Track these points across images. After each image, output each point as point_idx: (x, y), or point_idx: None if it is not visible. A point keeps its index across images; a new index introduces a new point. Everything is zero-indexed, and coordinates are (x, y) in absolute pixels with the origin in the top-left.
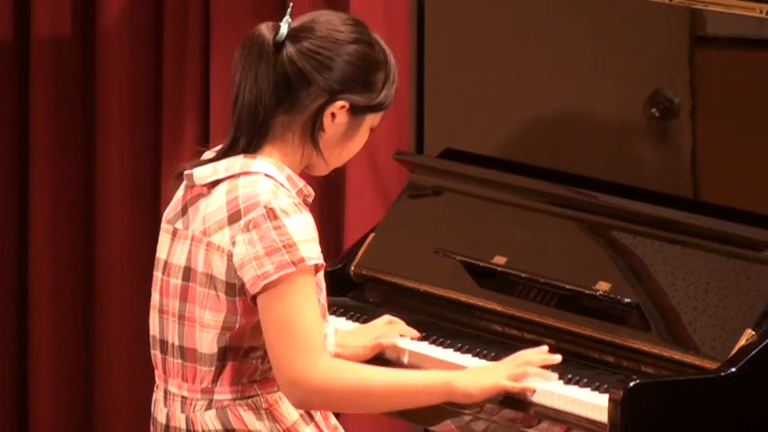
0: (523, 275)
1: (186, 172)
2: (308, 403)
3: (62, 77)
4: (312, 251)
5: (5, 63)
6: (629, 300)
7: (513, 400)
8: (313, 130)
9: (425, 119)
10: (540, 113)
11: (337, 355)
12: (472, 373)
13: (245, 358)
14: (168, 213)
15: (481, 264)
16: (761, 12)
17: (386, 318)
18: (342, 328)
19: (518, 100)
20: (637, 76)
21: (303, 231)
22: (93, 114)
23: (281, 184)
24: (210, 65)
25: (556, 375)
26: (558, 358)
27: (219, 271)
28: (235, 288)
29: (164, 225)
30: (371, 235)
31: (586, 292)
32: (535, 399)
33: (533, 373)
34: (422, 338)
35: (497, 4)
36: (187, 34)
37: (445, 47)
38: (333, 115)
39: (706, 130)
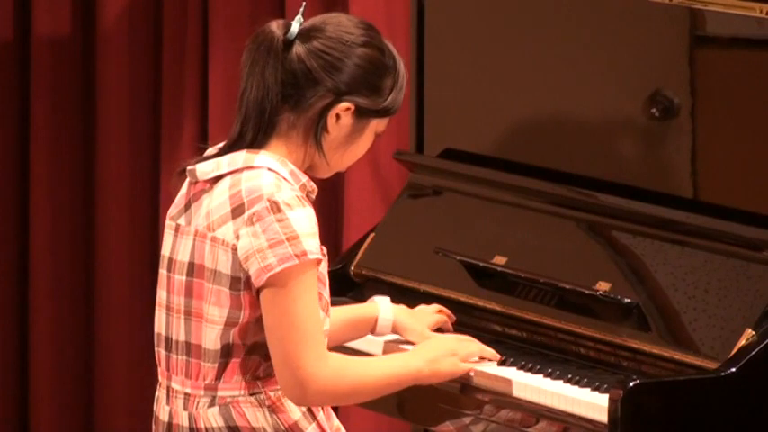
0: (523, 275)
1: (189, 168)
2: (313, 401)
3: (62, 77)
4: (313, 245)
5: (5, 63)
6: (629, 300)
7: (513, 400)
8: (317, 130)
9: (425, 119)
10: (540, 113)
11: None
12: (434, 364)
13: (249, 355)
14: (171, 210)
15: (481, 264)
16: (761, 12)
17: (435, 306)
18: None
19: (518, 100)
20: (637, 76)
21: (306, 225)
22: (94, 114)
23: (284, 178)
24: (209, 64)
25: (496, 355)
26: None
27: (225, 265)
28: (240, 282)
29: (167, 222)
30: (371, 235)
31: (586, 292)
32: (536, 399)
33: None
34: None
35: (497, 4)
36: (186, 34)
37: (445, 47)
38: (337, 117)
39: (706, 130)
